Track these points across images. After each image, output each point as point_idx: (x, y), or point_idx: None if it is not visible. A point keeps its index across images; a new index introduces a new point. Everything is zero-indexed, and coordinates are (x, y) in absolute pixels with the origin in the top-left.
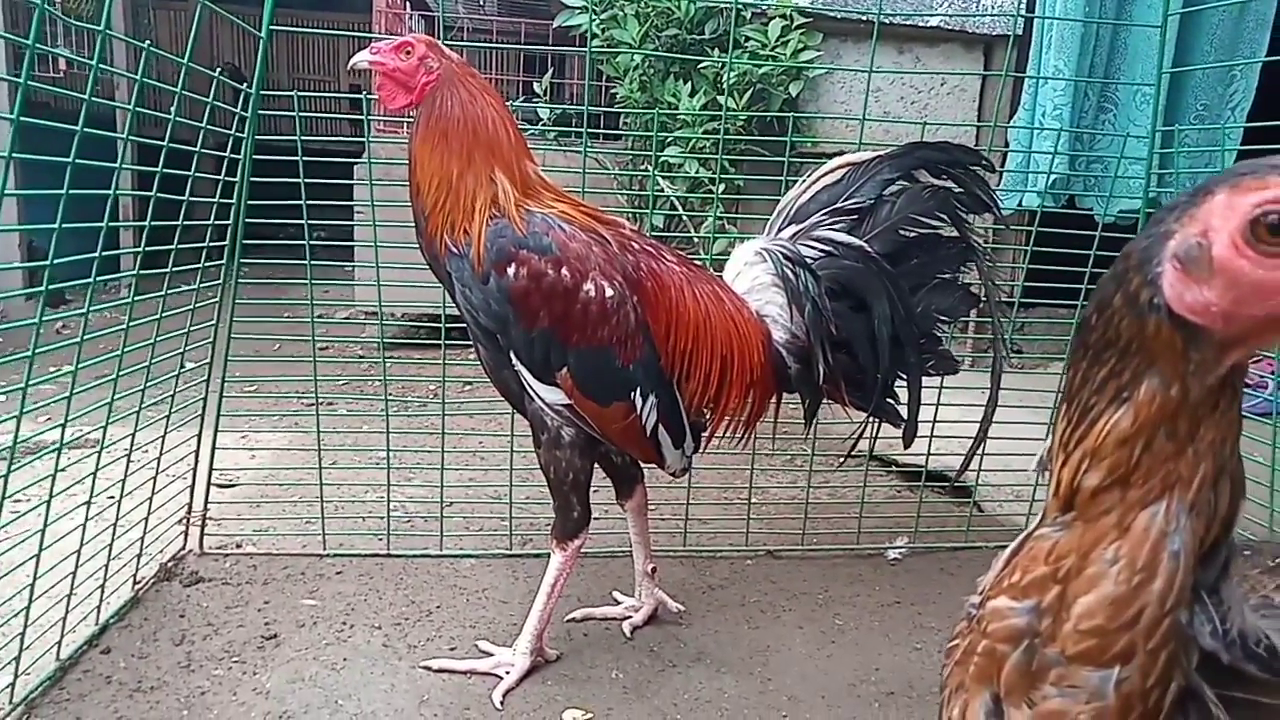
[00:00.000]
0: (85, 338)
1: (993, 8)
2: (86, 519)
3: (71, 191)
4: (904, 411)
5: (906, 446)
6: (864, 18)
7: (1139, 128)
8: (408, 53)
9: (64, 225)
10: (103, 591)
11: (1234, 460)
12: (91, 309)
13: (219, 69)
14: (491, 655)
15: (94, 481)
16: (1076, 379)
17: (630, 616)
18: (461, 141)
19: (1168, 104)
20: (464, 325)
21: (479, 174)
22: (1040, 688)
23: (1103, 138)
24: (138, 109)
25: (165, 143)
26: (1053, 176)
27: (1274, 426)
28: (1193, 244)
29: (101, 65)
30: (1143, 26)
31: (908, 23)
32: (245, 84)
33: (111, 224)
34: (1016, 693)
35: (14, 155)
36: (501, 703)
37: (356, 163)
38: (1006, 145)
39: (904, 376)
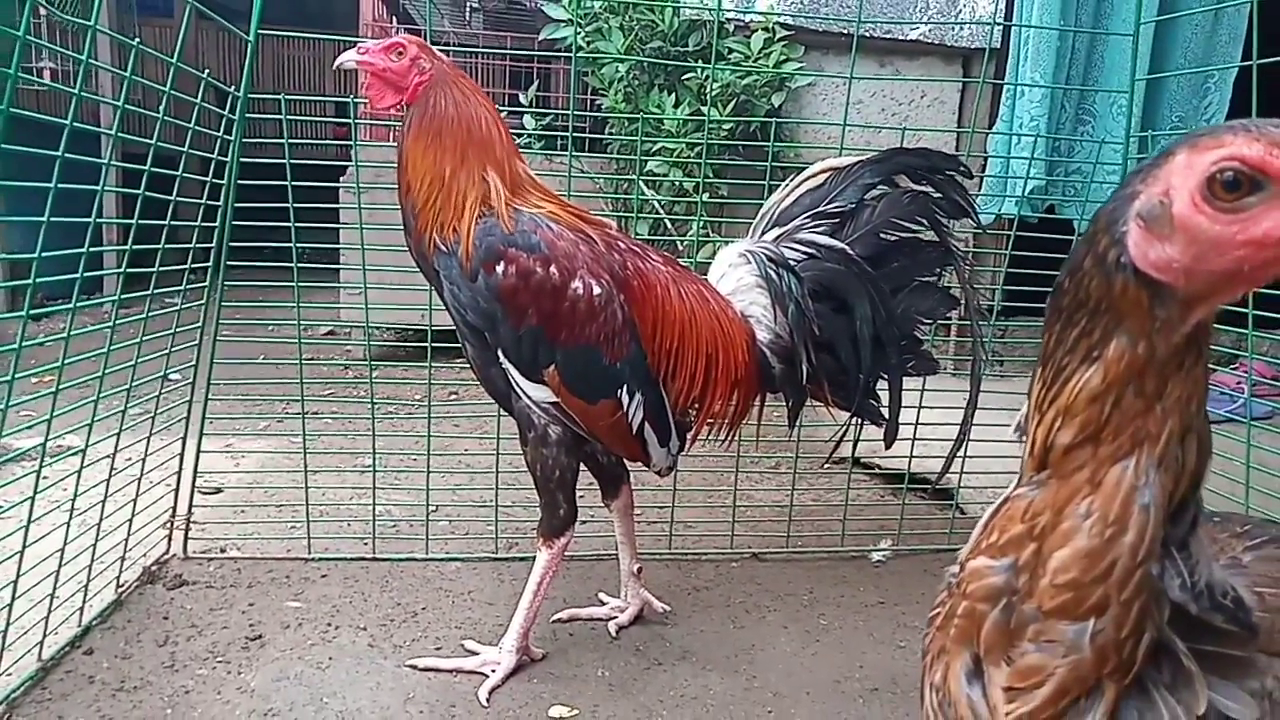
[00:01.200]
0: (71, 334)
1: (971, 20)
2: (70, 521)
3: (60, 185)
4: (886, 411)
5: (888, 446)
6: (845, 30)
7: (1115, 137)
8: (399, 53)
9: (50, 219)
10: (85, 594)
11: (1200, 419)
12: (77, 307)
13: (205, 71)
14: (477, 654)
15: (77, 485)
16: (1051, 341)
17: (616, 617)
18: (455, 140)
19: (1144, 115)
20: (450, 336)
21: (472, 172)
22: (1019, 645)
23: (1081, 148)
24: (125, 106)
25: (153, 142)
26: (1031, 186)
27: (1248, 429)
28: (1155, 203)
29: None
30: (1117, 36)
31: (888, 36)
32: (232, 87)
33: (97, 220)
34: (996, 651)
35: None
36: (488, 700)
37: (342, 177)
38: (986, 155)
39: (886, 376)
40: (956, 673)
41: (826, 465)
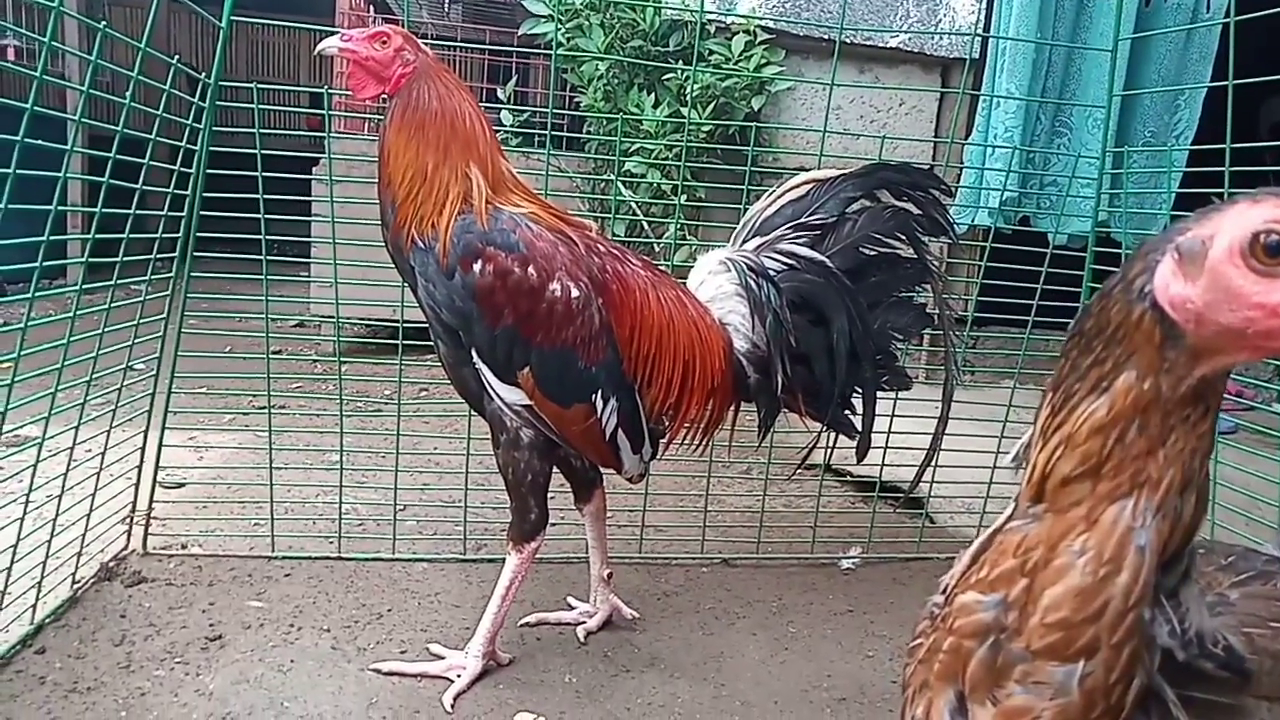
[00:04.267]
0: (30, 322)
1: (951, 30)
2: (25, 515)
3: (20, 171)
4: (859, 424)
5: (860, 460)
6: (825, 36)
7: (1090, 150)
8: (383, 43)
9: (8, 206)
10: (39, 591)
11: (1202, 476)
12: (36, 295)
13: (176, 56)
14: (443, 658)
15: (33, 478)
16: (1066, 367)
17: (584, 622)
18: (439, 134)
19: (1118, 131)
20: (422, 332)
21: (454, 168)
22: (1005, 685)
23: (1057, 161)
24: (91, 91)
25: (119, 128)
26: (1005, 196)
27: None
28: (1196, 240)
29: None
30: (1095, 50)
31: (868, 43)
32: (203, 74)
33: (60, 208)
34: (981, 689)
35: None
36: (452, 706)
37: (314, 168)
38: (962, 165)
39: (860, 390)
40: (940, 710)
41: (797, 473)
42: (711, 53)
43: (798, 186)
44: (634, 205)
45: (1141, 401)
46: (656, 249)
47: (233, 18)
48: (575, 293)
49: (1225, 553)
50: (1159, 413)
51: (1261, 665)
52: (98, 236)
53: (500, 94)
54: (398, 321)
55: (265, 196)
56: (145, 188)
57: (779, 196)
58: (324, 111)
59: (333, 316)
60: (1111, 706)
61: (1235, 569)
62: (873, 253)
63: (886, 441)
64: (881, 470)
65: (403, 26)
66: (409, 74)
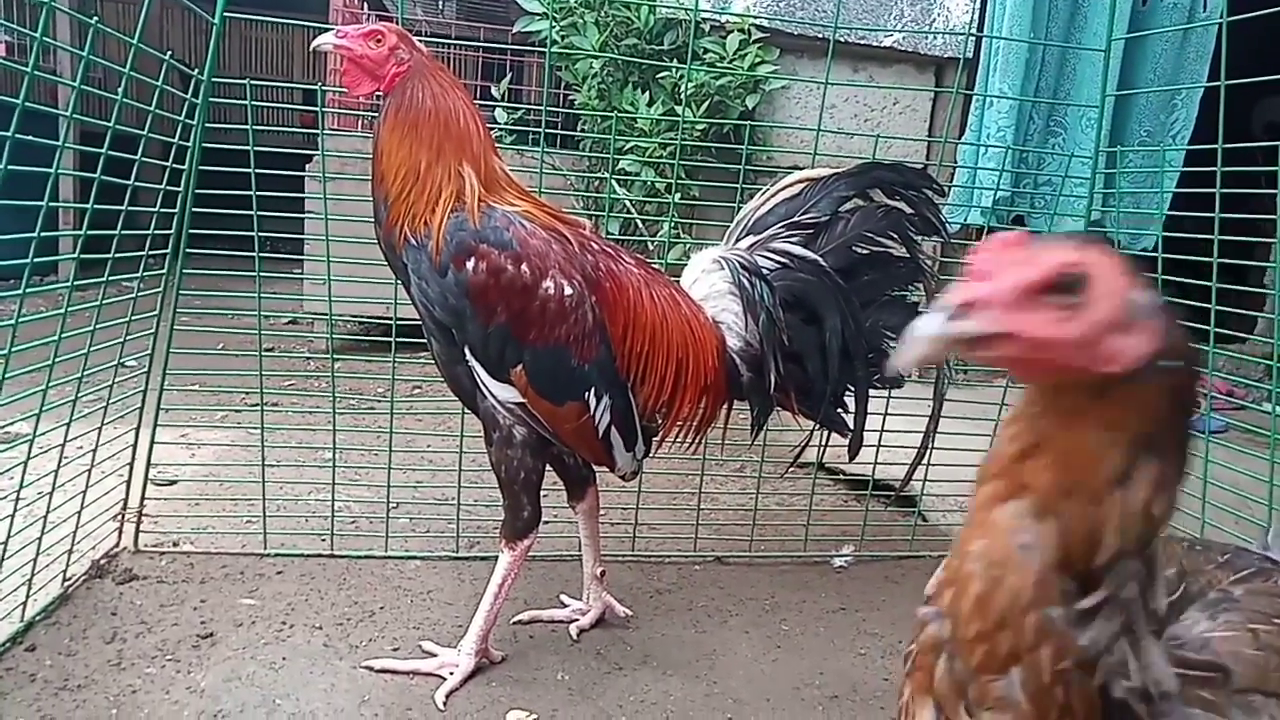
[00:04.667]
0: (22, 318)
1: (944, 29)
2: (15, 512)
3: (11, 167)
4: (851, 422)
5: (852, 458)
6: (820, 35)
7: (1084, 150)
8: (378, 41)
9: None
10: (29, 588)
11: (1105, 491)
12: (27, 291)
13: (168, 52)
14: (435, 656)
15: (24, 474)
16: None
17: (577, 619)
18: (432, 133)
19: (1113, 130)
20: (415, 329)
21: (448, 166)
22: (969, 700)
23: (1051, 160)
24: (83, 87)
25: (112, 124)
26: (998, 196)
27: (1206, 444)
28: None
29: (45, 39)
30: (1089, 51)
31: (863, 42)
32: (196, 70)
33: (51, 204)
34: (949, 704)
35: None
36: (445, 703)
37: (308, 165)
38: (955, 165)
39: (852, 388)
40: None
41: (790, 471)
42: (706, 51)
43: (791, 185)
44: (628, 203)
45: (1018, 409)
46: (650, 247)
47: (226, 13)
48: (568, 291)
49: (1220, 550)
50: (1026, 419)
51: (1268, 661)
52: (90, 233)
53: (494, 91)
54: (391, 319)
55: (258, 193)
56: (138, 184)
57: (772, 195)
58: (318, 108)
59: (326, 314)
60: (1070, 710)
61: (1234, 566)
62: (865, 252)
63: (879, 440)
64: (874, 468)
65: (397, 23)
66: (403, 72)
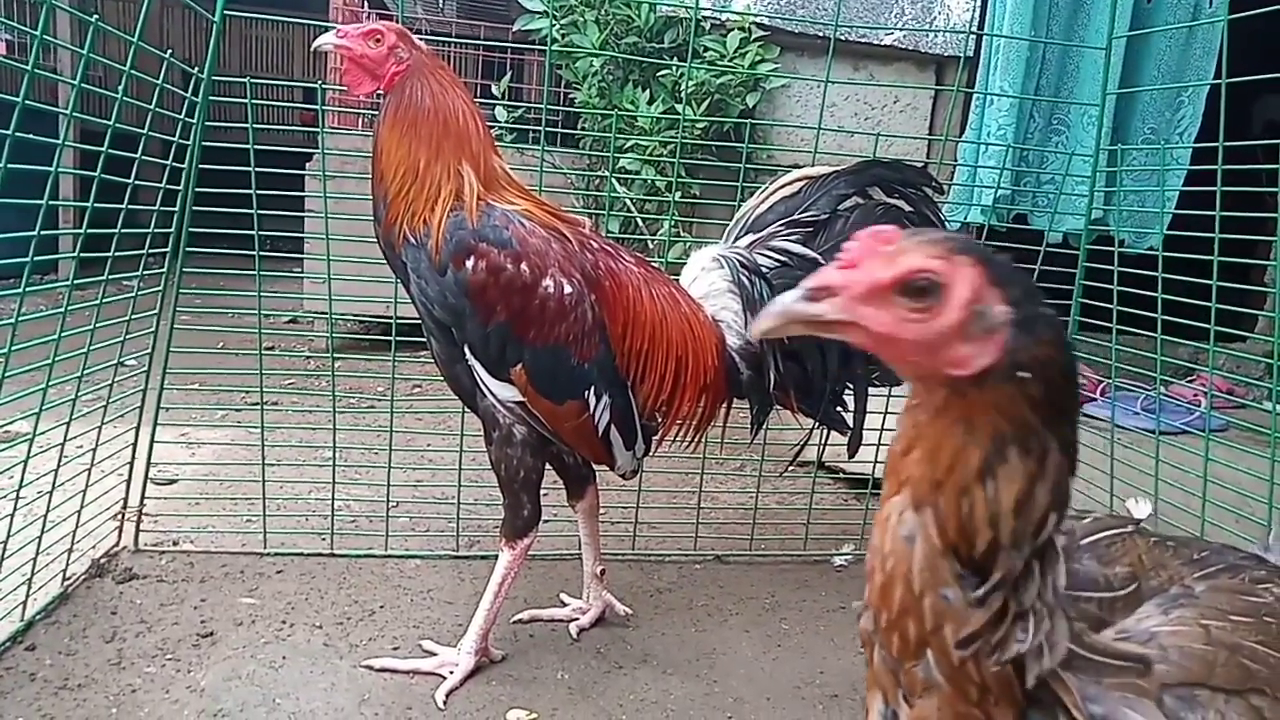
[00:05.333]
0: (21, 317)
1: (945, 27)
2: (15, 511)
3: (11, 165)
4: (851, 420)
5: (851, 456)
6: (820, 33)
7: (1086, 148)
8: (377, 40)
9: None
10: (29, 587)
11: (978, 486)
12: (27, 291)
13: (168, 51)
14: (435, 655)
15: (23, 473)
16: None
17: (577, 618)
18: (431, 131)
19: (1116, 128)
20: (415, 328)
21: (447, 165)
22: (903, 686)
23: (1053, 158)
24: (83, 85)
25: (112, 123)
26: (998, 194)
27: (1205, 442)
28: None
29: (45, 37)
30: (1090, 49)
31: (863, 40)
32: (196, 68)
33: (51, 203)
34: (891, 693)
35: None
36: (445, 702)
37: (308, 164)
38: (955, 163)
39: (851, 386)
40: (874, 712)
41: (790, 469)
42: (706, 49)
43: (791, 184)
44: (628, 202)
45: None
46: (650, 246)
47: (226, 11)
48: (568, 289)
49: (1200, 548)
50: (908, 415)
51: (1217, 657)
52: (90, 231)
53: (495, 90)
54: (391, 318)
55: (258, 192)
56: (137, 183)
57: (772, 193)
58: (318, 107)
59: (326, 313)
60: (989, 689)
61: (1205, 563)
62: None
63: (880, 439)
64: (874, 466)
65: (397, 21)
66: (402, 71)
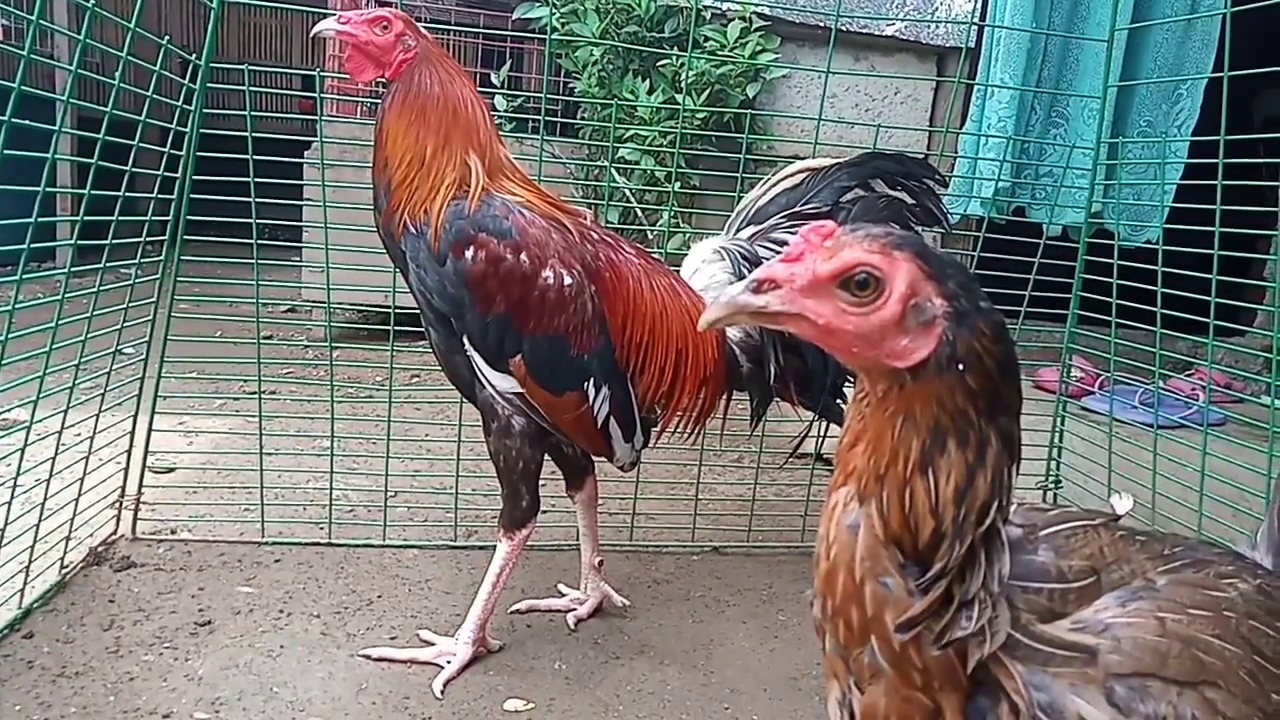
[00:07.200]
0: (18, 305)
1: (947, 18)
2: (12, 499)
3: (8, 152)
4: None
5: None
6: (821, 23)
7: (1086, 141)
8: (384, 27)
9: None
10: (27, 575)
11: (919, 480)
12: (23, 277)
13: (166, 37)
14: (433, 644)
15: (21, 461)
16: None
17: (575, 609)
18: (440, 120)
19: (1115, 121)
20: (414, 318)
21: (454, 154)
22: (853, 673)
23: (1053, 151)
24: (80, 71)
25: (109, 109)
26: (998, 186)
27: (1204, 436)
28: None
29: (42, 22)
30: (1091, 41)
31: (864, 31)
32: (194, 55)
33: (48, 189)
34: (843, 680)
35: None
36: (442, 692)
37: (306, 152)
38: (956, 155)
39: (851, 379)
40: (832, 699)
41: (788, 461)
42: (707, 39)
43: (792, 175)
44: (628, 192)
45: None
46: (650, 236)
47: None
48: (568, 280)
49: (1172, 543)
50: (855, 406)
51: (1170, 649)
52: (87, 219)
53: (494, 79)
54: (390, 307)
55: (256, 180)
56: (135, 170)
57: (773, 185)
58: (317, 94)
59: (324, 302)
60: (931, 674)
61: (1172, 557)
62: None
63: None
64: None
65: (396, 8)
66: (410, 59)
